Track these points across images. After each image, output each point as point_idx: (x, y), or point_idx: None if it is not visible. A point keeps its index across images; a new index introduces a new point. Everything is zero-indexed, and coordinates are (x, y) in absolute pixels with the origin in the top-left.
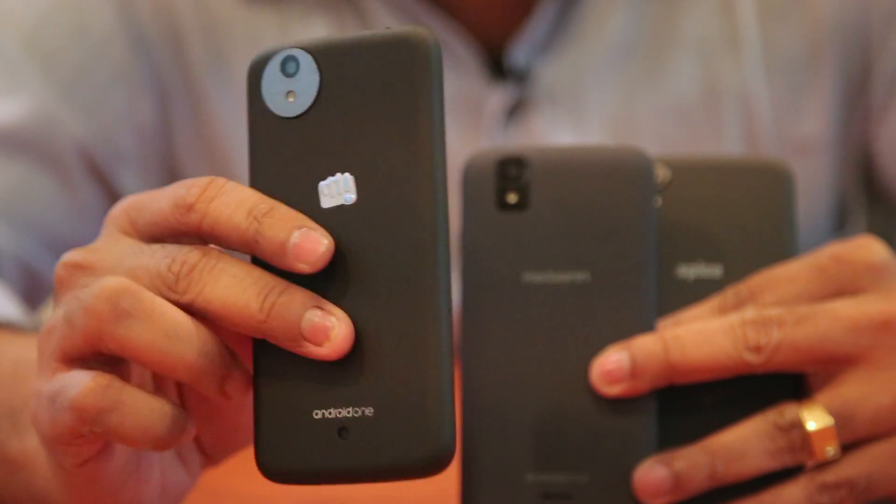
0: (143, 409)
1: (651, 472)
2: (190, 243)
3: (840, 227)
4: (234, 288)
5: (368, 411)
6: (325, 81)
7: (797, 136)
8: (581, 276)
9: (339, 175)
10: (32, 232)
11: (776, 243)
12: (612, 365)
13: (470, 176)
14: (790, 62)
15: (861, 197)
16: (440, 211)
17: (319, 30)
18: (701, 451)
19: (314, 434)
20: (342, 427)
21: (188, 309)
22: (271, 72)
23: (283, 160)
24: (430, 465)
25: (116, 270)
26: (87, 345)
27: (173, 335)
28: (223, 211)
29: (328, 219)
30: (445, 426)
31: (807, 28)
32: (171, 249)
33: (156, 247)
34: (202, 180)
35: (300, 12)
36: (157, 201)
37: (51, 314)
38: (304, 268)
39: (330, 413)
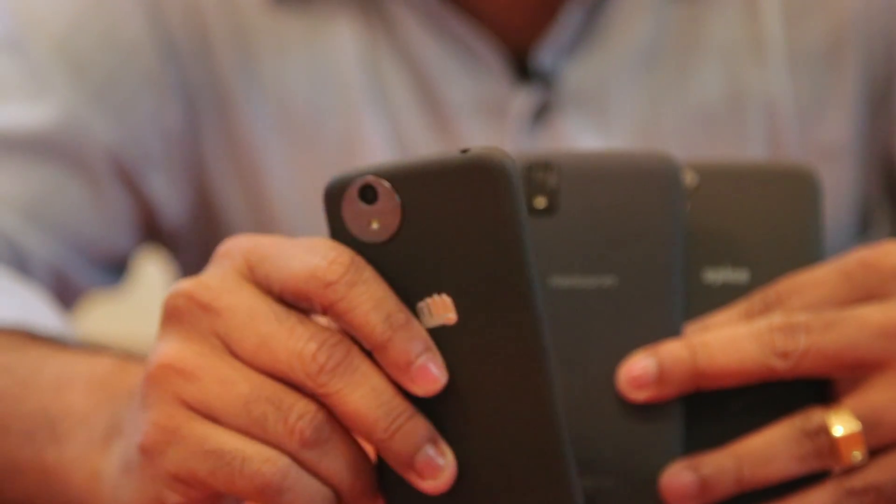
0: (315, 494)
1: (678, 477)
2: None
3: (863, 231)
4: (371, 400)
5: None
6: (406, 207)
7: (821, 140)
8: (608, 281)
9: (436, 296)
10: (62, 236)
11: (803, 248)
12: (639, 370)
13: None
14: (813, 65)
15: (885, 201)
16: (539, 324)
17: (345, 35)
18: (728, 455)
19: None
20: None
21: (322, 400)
22: (351, 199)
23: None
24: None
25: (247, 328)
26: None
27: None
28: (362, 303)
29: (432, 338)
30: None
31: (830, 30)
32: (313, 332)
33: (293, 319)
34: (344, 256)
35: (326, 17)
36: (288, 260)
37: (157, 343)
38: (417, 391)
39: None
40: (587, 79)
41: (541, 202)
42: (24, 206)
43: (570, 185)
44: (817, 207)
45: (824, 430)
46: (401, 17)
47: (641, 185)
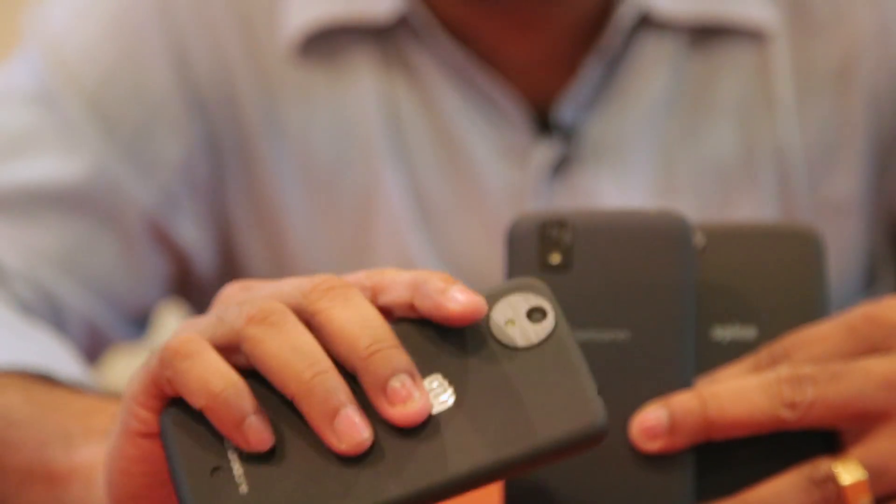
0: (211, 366)
1: None
2: None
3: (868, 285)
4: (357, 321)
5: None
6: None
7: (830, 195)
8: (621, 335)
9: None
10: (95, 289)
11: (808, 306)
12: (651, 421)
13: (514, 236)
14: (823, 122)
15: (890, 256)
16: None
17: (367, 86)
18: None
19: None
20: None
21: (311, 320)
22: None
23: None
24: None
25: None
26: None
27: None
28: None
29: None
30: None
31: (838, 83)
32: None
33: None
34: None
35: (349, 68)
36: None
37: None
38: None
39: None
40: (606, 132)
41: (556, 258)
42: (59, 258)
43: (584, 242)
44: (822, 266)
45: (832, 479)
46: (424, 67)
47: (653, 242)
